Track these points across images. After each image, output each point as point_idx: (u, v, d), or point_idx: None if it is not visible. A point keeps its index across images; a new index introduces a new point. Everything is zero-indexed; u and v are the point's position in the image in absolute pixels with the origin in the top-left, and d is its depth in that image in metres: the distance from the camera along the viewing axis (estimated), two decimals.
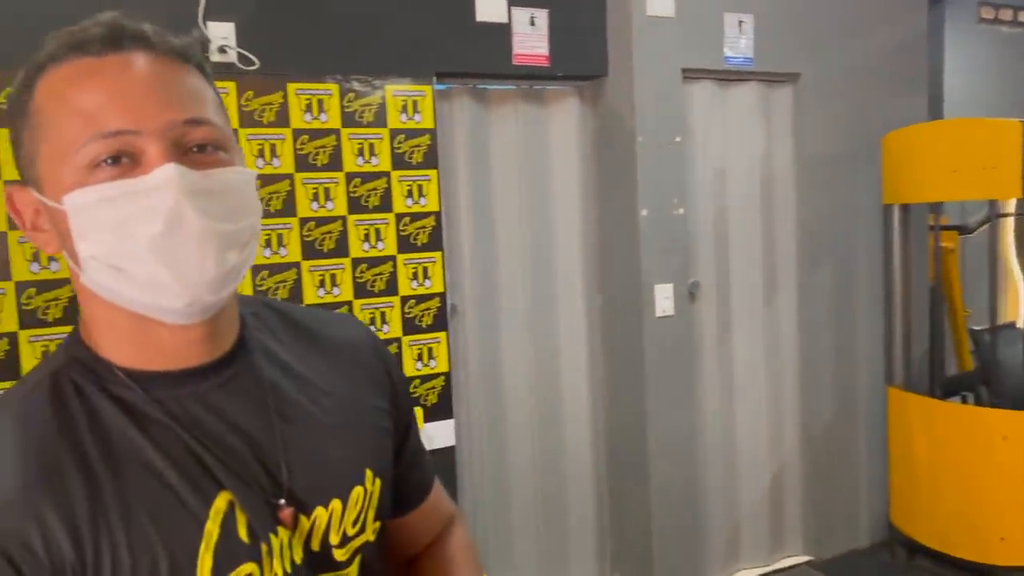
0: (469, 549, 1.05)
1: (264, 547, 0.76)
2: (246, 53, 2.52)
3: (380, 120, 2.74)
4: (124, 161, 0.70)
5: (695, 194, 3.31)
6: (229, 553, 0.74)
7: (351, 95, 2.70)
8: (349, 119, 2.70)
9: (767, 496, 3.57)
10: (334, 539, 0.83)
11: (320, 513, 0.81)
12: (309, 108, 2.64)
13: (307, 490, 0.81)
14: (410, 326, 2.81)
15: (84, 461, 0.71)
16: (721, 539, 3.47)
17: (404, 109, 2.78)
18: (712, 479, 3.43)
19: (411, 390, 2.81)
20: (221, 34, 2.50)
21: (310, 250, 2.65)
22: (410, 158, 2.79)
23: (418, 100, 2.80)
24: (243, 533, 0.75)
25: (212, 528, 0.73)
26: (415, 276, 2.81)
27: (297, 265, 2.64)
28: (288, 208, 2.62)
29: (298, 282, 2.64)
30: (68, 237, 0.72)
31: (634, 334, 3.16)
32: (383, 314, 2.76)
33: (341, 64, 2.68)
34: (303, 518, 0.80)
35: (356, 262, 2.72)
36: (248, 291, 2.56)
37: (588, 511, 3.35)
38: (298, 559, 0.79)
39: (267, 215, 2.59)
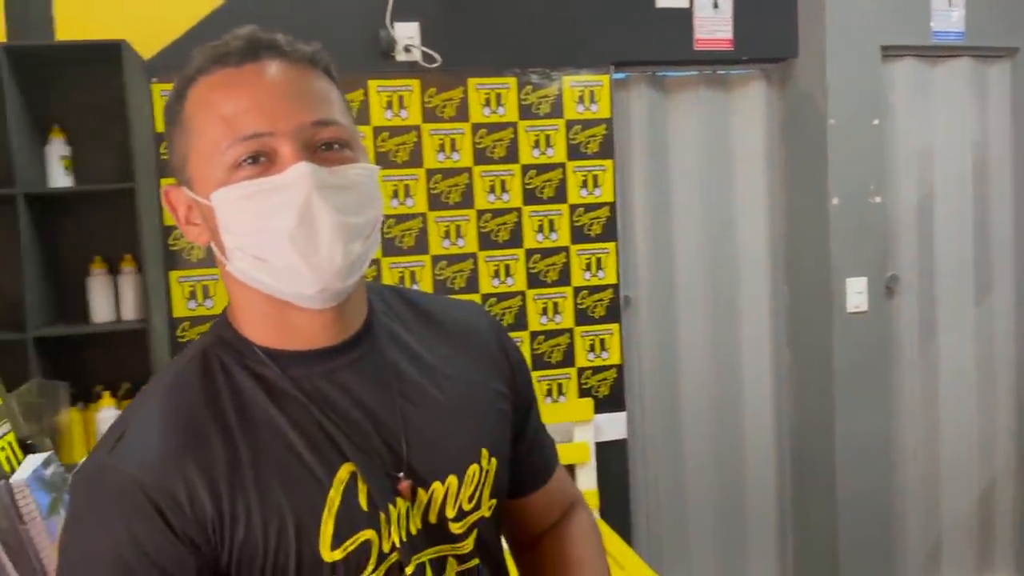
0: (593, 532, 1.06)
1: (382, 516, 0.81)
2: (429, 51, 2.65)
3: (556, 111, 2.78)
4: (262, 160, 0.78)
5: (894, 181, 3.08)
6: (349, 520, 0.80)
7: (528, 87, 2.75)
8: (526, 111, 2.76)
9: (974, 509, 3.27)
10: (450, 513, 0.87)
11: (437, 487, 0.86)
12: (488, 102, 2.72)
13: (425, 465, 0.85)
14: (582, 317, 2.83)
15: (226, 429, 0.79)
16: (918, 551, 3.22)
17: (580, 100, 2.79)
18: (910, 488, 3.19)
19: (583, 381, 2.84)
20: (407, 34, 2.64)
21: (486, 241, 2.74)
22: (585, 148, 2.80)
23: (595, 90, 2.81)
24: (363, 502, 0.81)
25: (334, 496, 0.79)
26: (588, 267, 2.82)
27: (474, 256, 2.74)
28: (466, 200, 2.72)
29: (474, 272, 2.74)
30: (216, 230, 0.81)
31: (823, 331, 3.00)
32: (555, 304, 2.80)
33: (519, 57, 2.74)
34: (421, 491, 0.85)
35: (530, 253, 2.78)
36: (428, 280, 2.69)
37: (769, 513, 3.23)
38: (414, 530, 0.84)
39: (446, 207, 2.70)
